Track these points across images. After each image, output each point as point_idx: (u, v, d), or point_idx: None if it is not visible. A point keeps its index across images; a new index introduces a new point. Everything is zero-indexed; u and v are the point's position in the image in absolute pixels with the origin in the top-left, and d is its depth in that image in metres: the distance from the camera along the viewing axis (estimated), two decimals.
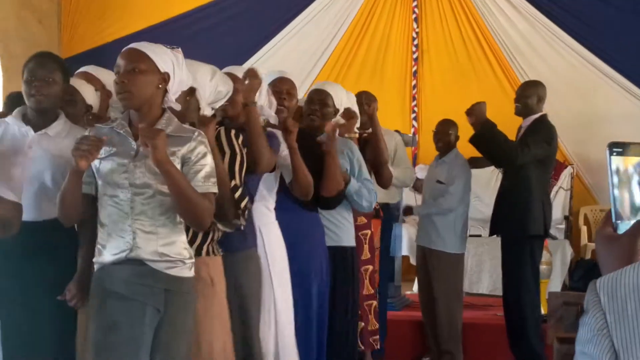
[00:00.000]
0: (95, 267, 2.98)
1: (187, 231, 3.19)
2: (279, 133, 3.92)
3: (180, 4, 8.63)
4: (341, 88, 4.77)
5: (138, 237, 2.91)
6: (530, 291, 5.75)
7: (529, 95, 5.82)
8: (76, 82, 3.82)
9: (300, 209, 4.07)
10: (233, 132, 3.35)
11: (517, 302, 5.73)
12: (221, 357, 3.26)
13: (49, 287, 3.38)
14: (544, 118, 5.81)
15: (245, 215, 3.35)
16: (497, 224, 5.93)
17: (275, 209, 3.97)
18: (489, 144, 5.86)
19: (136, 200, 2.91)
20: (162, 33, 7.95)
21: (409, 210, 6.95)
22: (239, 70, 3.79)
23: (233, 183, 3.24)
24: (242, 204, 3.23)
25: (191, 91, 3.24)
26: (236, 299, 3.46)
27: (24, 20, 8.46)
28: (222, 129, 3.33)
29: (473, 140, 5.83)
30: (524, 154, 5.61)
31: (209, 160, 2.92)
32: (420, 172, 6.34)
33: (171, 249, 2.93)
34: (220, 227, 3.26)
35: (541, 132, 5.72)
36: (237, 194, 3.23)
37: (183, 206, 2.88)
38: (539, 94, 5.85)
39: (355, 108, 4.75)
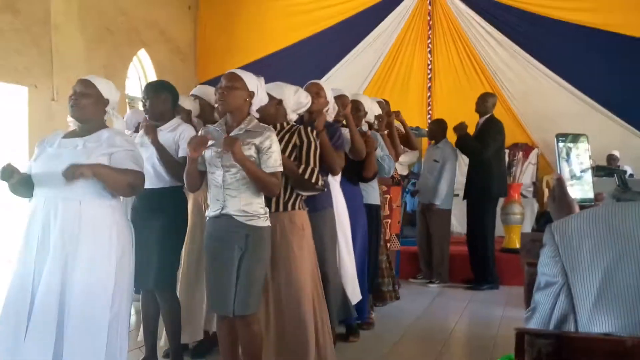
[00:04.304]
0: (206, 220, 3.28)
1: (284, 193, 3.35)
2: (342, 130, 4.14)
3: (277, 43, 9.62)
4: (368, 98, 5.08)
5: (227, 200, 3.09)
6: (491, 232, 6.53)
7: (487, 101, 6.54)
8: (180, 99, 3.98)
9: (350, 184, 4.41)
10: (309, 128, 3.52)
11: (483, 238, 6.46)
12: (310, 279, 3.43)
13: (156, 233, 3.61)
14: (493, 117, 6.59)
15: (322, 183, 3.48)
16: (469, 189, 6.64)
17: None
18: (467, 147, 6.57)
19: (226, 176, 3.08)
20: (267, 62, 9.04)
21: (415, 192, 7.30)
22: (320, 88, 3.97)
23: (303, 166, 3.35)
24: (314, 178, 3.37)
25: (279, 102, 3.43)
26: (318, 243, 3.63)
27: (173, 62, 9.65)
28: (302, 126, 3.48)
29: (457, 144, 6.68)
30: (487, 151, 6.38)
31: (274, 149, 3.09)
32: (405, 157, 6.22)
33: (250, 207, 3.09)
34: (304, 193, 3.47)
35: (496, 129, 6.46)
36: (308, 174, 3.35)
37: (256, 183, 3.07)
38: (493, 101, 6.61)
39: (379, 111, 5.09)
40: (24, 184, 3.02)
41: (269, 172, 3.07)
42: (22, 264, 2.96)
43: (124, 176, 2.97)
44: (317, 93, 3.85)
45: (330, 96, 4.03)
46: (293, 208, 3.39)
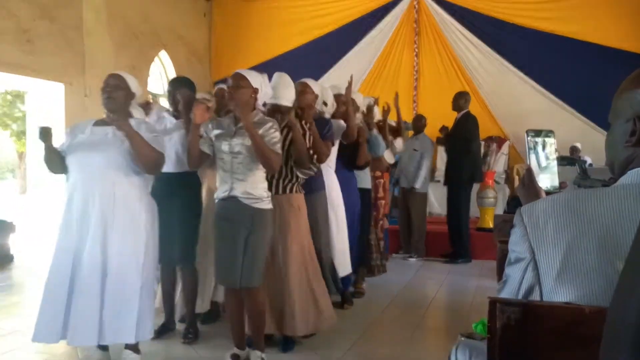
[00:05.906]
0: (215, 202, 3.20)
1: (279, 179, 3.36)
2: (335, 122, 4.07)
3: (282, 46, 9.63)
4: (360, 95, 5.05)
5: (234, 183, 3.05)
6: (465, 211, 6.56)
7: (460, 99, 6.49)
8: (200, 95, 4.01)
9: (345, 170, 4.44)
10: (304, 122, 3.57)
11: (458, 217, 6.53)
12: (304, 251, 3.48)
13: (178, 213, 3.60)
14: (469, 113, 6.49)
15: (316, 166, 3.53)
16: (448, 176, 6.66)
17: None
18: (454, 146, 6.49)
19: (234, 161, 3.05)
20: (274, 63, 8.57)
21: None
22: (313, 84, 3.89)
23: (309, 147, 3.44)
24: (314, 159, 3.47)
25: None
26: (313, 221, 3.67)
27: (190, 62, 9.69)
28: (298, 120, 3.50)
29: (440, 142, 6.77)
30: (472, 145, 6.41)
31: (276, 134, 3.06)
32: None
33: (254, 190, 3.05)
34: (300, 175, 3.48)
35: (473, 125, 6.44)
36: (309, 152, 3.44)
37: (260, 155, 2.96)
38: (466, 98, 6.53)
39: (367, 103, 5.06)
40: (58, 158, 3.03)
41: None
42: (64, 238, 2.95)
43: (152, 152, 2.95)
44: (303, 90, 3.73)
45: (320, 91, 3.93)
46: (291, 191, 3.39)
